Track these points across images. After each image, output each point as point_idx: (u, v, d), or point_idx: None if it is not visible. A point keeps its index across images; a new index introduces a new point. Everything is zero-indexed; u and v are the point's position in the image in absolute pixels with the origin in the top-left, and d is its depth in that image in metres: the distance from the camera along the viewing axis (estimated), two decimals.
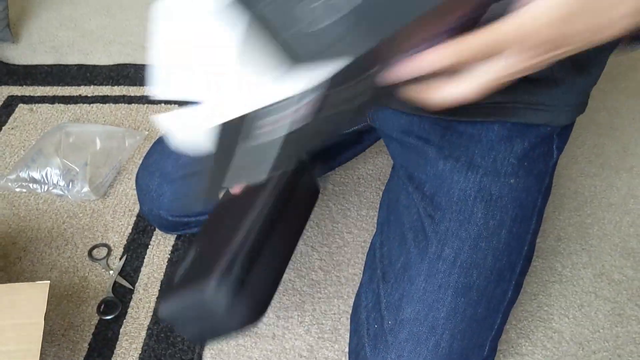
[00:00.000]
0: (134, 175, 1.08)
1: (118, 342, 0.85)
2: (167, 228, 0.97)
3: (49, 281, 0.75)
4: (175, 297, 0.62)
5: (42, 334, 0.72)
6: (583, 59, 0.71)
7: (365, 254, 0.83)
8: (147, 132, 1.17)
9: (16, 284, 0.76)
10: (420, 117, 0.80)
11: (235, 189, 0.74)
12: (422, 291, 0.71)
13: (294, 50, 0.38)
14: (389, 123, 0.85)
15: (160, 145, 0.93)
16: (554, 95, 0.73)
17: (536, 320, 0.88)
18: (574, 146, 1.18)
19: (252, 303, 0.64)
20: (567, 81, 0.71)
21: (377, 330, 0.72)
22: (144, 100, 1.27)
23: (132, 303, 0.90)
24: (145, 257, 0.96)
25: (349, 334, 0.78)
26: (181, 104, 0.44)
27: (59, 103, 1.25)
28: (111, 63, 1.36)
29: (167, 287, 0.68)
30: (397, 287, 0.73)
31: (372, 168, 1.14)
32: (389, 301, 0.73)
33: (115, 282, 0.92)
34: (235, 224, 0.67)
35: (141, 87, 1.30)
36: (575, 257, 0.97)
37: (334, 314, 0.90)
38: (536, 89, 0.73)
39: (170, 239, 0.99)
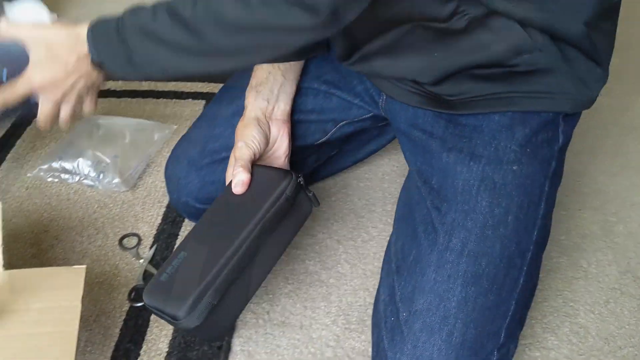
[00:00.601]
0: (163, 168, 1.10)
1: (148, 329, 0.86)
2: (195, 217, 0.98)
3: (85, 265, 0.77)
4: (157, 298, 0.73)
5: (79, 316, 0.73)
6: (569, 52, 0.74)
7: None
8: (175, 126, 1.19)
9: (54, 267, 0.78)
10: (424, 110, 0.82)
11: (238, 189, 0.78)
12: (432, 282, 0.72)
13: None
14: (397, 115, 0.87)
15: (187, 135, 0.96)
16: (550, 83, 0.75)
17: (562, 315, 0.89)
18: (596, 145, 1.18)
19: (217, 328, 0.76)
20: (559, 70, 0.74)
21: (394, 323, 0.73)
22: (172, 95, 1.29)
23: None
24: (175, 246, 0.98)
25: None
26: None
27: None
28: None
29: (156, 279, 0.74)
30: (410, 279, 0.74)
31: (397, 164, 1.15)
32: (403, 293, 0.74)
33: (145, 271, 0.93)
34: (223, 243, 0.75)
35: (168, 83, 1.32)
36: (600, 255, 0.98)
37: (360, 305, 0.91)
38: (531, 79, 0.75)
39: None
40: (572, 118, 0.80)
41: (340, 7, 0.64)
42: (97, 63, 0.76)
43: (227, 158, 0.90)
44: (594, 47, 0.75)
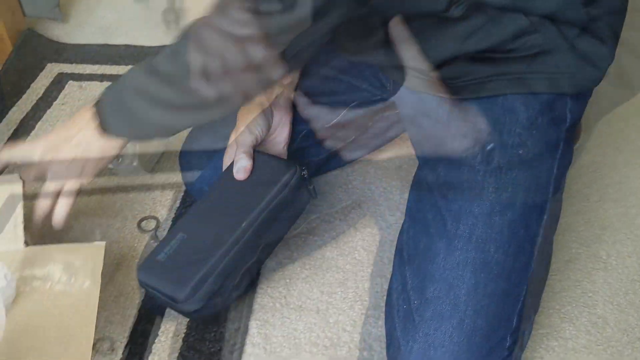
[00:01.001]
0: None
1: (167, 310, 0.87)
2: None
3: (104, 242, 0.78)
4: (154, 277, 0.74)
5: (98, 292, 0.74)
6: (569, 32, 0.72)
7: None
8: None
9: (73, 244, 0.79)
10: (428, 95, 0.82)
11: (241, 175, 0.78)
12: (441, 269, 0.72)
13: None
14: (404, 101, 0.87)
15: None
16: (552, 64, 0.74)
17: (580, 306, 0.88)
18: (619, 137, 1.17)
19: (213, 312, 0.79)
20: (559, 50, 0.73)
21: (406, 311, 0.74)
22: None
23: None
24: None
25: None
26: None
27: (107, 81, 1.28)
28: (157, 44, 1.38)
29: (152, 258, 0.75)
30: (420, 267, 0.74)
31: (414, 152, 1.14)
32: (414, 282, 0.74)
33: None
34: (226, 229, 0.76)
35: None
36: (620, 246, 0.97)
37: (377, 291, 0.90)
38: (532, 59, 0.74)
39: None
40: (580, 100, 0.79)
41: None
42: (99, 114, 0.75)
43: None
44: (596, 26, 0.73)
